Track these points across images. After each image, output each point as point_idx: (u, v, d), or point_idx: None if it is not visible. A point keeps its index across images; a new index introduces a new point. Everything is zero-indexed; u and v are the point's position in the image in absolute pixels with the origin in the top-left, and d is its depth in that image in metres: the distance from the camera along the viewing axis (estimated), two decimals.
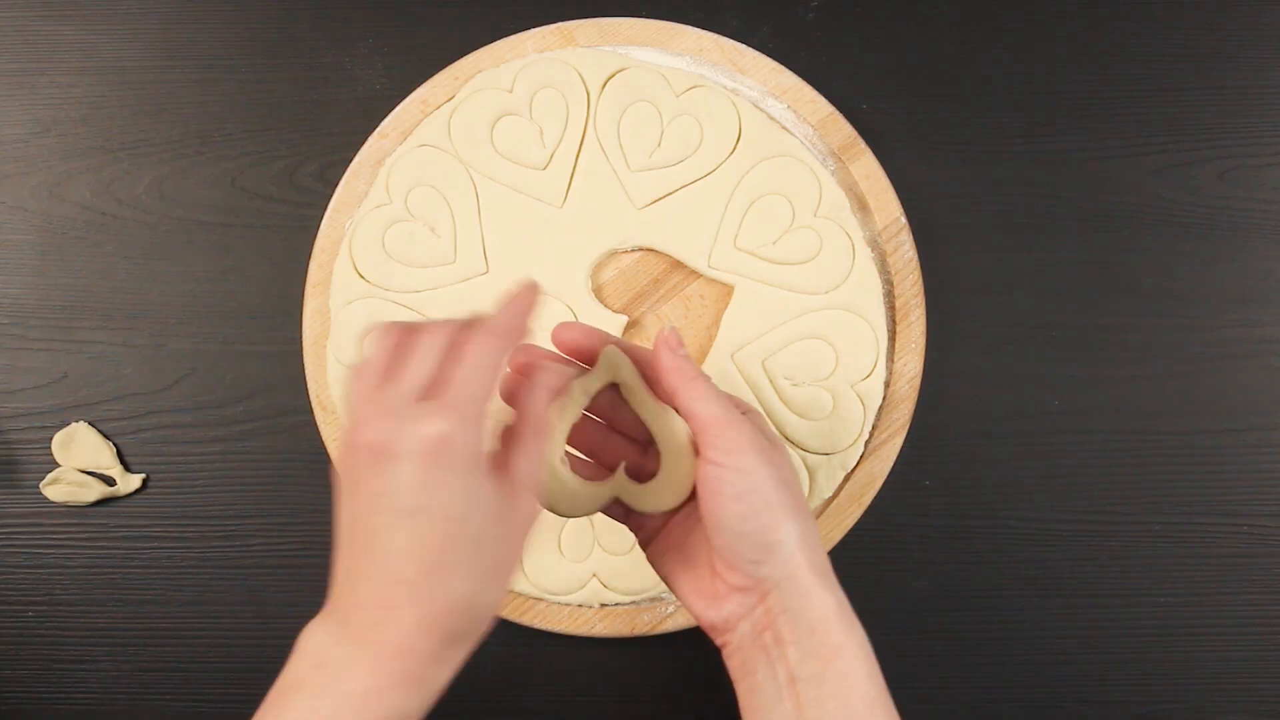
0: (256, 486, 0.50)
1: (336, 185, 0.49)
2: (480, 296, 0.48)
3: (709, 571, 0.32)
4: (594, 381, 0.34)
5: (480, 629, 0.28)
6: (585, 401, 0.34)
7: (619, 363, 0.33)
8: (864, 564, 0.49)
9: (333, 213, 0.49)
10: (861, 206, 0.49)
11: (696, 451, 0.32)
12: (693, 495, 0.33)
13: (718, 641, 0.32)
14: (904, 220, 0.48)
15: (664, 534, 0.34)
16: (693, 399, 0.31)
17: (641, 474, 0.34)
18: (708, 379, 0.32)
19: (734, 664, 0.32)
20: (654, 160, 0.48)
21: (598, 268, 0.49)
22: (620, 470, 0.34)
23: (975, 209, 0.50)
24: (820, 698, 0.29)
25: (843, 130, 0.49)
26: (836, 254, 0.47)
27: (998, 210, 0.50)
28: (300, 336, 0.49)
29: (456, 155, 0.48)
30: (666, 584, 0.34)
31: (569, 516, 0.34)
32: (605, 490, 0.33)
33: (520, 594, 0.47)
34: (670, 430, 0.33)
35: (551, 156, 0.48)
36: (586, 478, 0.34)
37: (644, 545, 0.35)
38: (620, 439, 0.35)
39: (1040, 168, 0.50)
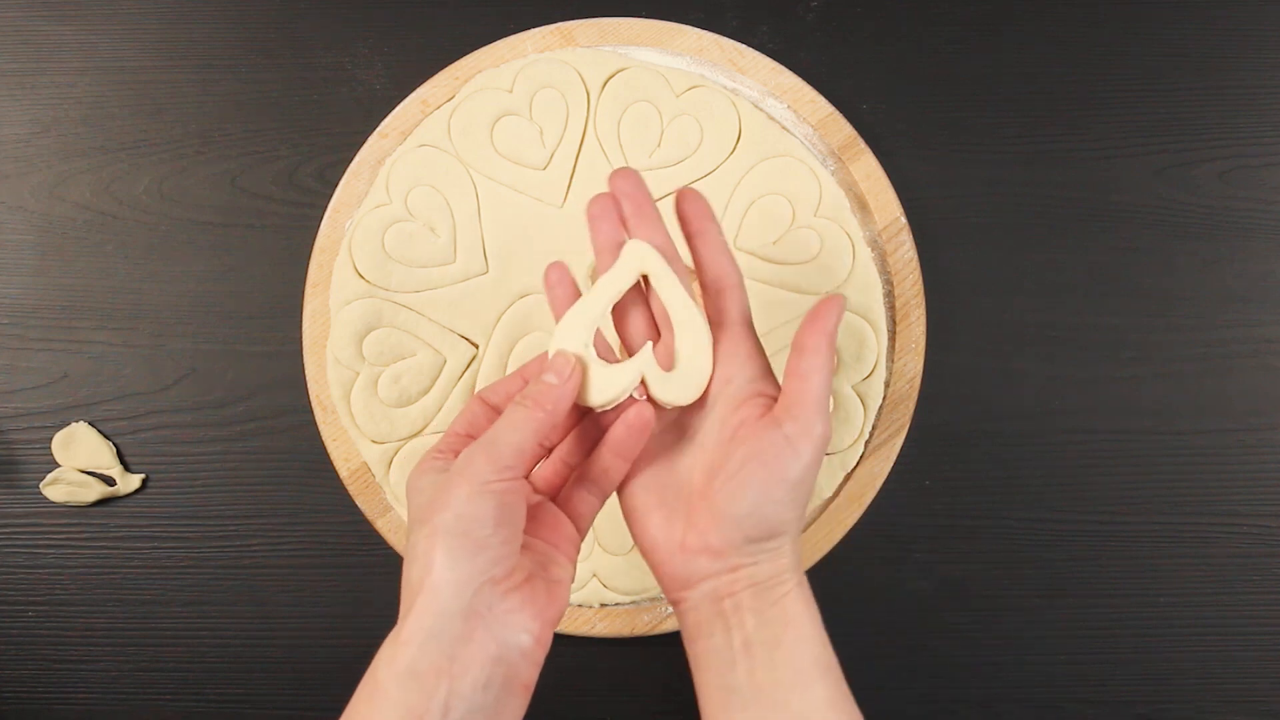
0: (256, 486, 0.49)
1: (336, 185, 0.49)
2: (480, 297, 0.48)
3: (684, 521, 0.31)
4: (622, 279, 0.32)
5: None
6: (610, 302, 0.32)
7: (645, 255, 0.32)
8: (864, 564, 0.49)
9: (333, 213, 0.49)
10: (861, 206, 0.48)
11: (717, 293, 0.32)
12: (701, 402, 0.32)
13: (671, 597, 0.32)
14: (904, 220, 0.48)
15: (645, 460, 0.33)
16: (813, 367, 0.30)
17: (665, 363, 0.33)
18: (832, 351, 0.31)
19: (688, 622, 0.31)
20: (654, 160, 0.48)
21: (598, 268, 0.49)
22: (647, 348, 0.32)
23: (975, 209, 0.50)
24: (774, 661, 0.29)
25: (843, 130, 0.48)
26: (836, 254, 0.47)
27: (998, 210, 0.50)
28: (300, 336, 0.48)
29: (456, 155, 0.48)
30: (630, 523, 0.32)
31: (601, 406, 0.32)
32: (633, 368, 0.32)
33: None
34: (695, 327, 0.32)
35: (551, 156, 0.48)
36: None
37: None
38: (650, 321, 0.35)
39: (1040, 168, 0.50)
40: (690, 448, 0.32)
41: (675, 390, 0.32)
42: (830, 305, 0.31)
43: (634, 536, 0.32)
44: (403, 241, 0.48)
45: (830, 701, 0.29)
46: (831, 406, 0.47)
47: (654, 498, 0.32)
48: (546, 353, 0.33)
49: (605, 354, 0.33)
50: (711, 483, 0.31)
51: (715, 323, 0.33)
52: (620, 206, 0.34)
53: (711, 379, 0.32)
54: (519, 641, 0.29)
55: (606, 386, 0.32)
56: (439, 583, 0.28)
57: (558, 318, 0.33)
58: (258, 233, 0.51)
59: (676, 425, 0.33)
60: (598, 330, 0.33)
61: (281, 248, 0.50)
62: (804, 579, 0.31)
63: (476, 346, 0.48)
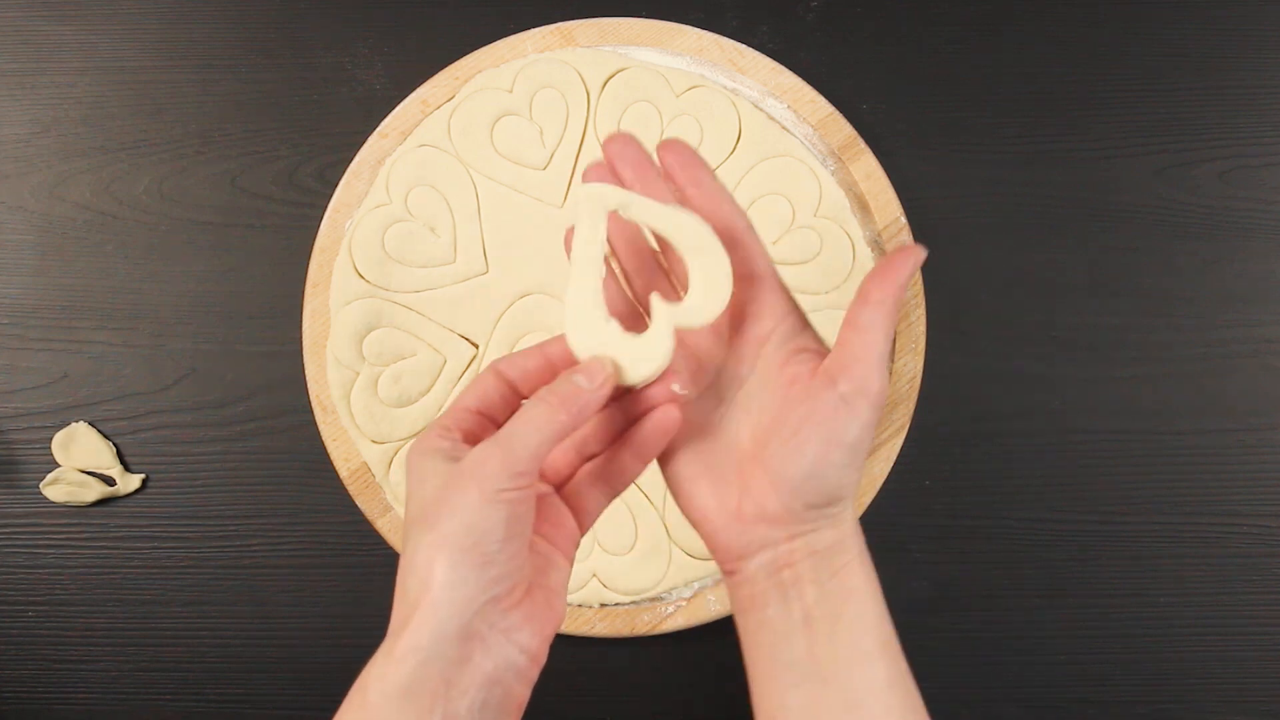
0: (256, 486, 0.49)
1: (336, 185, 0.49)
2: (480, 297, 0.48)
3: (738, 488, 0.29)
4: (594, 231, 0.29)
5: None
6: (600, 259, 0.29)
7: (598, 193, 0.29)
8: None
9: (332, 213, 0.49)
10: (861, 206, 0.48)
11: (731, 247, 0.29)
12: (742, 363, 0.29)
13: (726, 568, 0.30)
14: (904, 220, 0.48)
15: (686, 428, 0.30)
16: (876, 320, 0.28)
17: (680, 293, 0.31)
18: (897, 307, 0.28)
19: (741, 594, 0.29)
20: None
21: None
22: (656, 301, 0.29)
23: (975, 209, 0.50)
24: (835, 636, 0.28)
25: (843, 130, 0.48)
26: (836, 254, 0.47)
27: (998, 210, 0.50)
28: (300, 336, 0.48)
29: (456, 155, 0.48)
30: (676, 493, 0.30)
31: (643, 381, 0.29)
32: (663, 332, 0.29)
33: None
34: (689, 229, 0.29)
35: (551, 156, 0.48)
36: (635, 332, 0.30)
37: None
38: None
39: (1040, 168, 0.50)
40: (734, 411, 0.30)
41: (700, 310, 0.29)
42: (905, 255, 0.28)
43: (682, 507, 0.30)
44: (403, 241, 0.48)
45: (889, 680, 0.28)
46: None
47: (700, 466, 0.30)
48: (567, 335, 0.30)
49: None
50: (766, 446, 0.29)
51: (738, 278, 0.29)
52: (616, 172, 0.30)
53: (732, 306, 0.29)
54: (516, 662, 0.27)
55: (642, 361, 0.29)
56: (439, 600, 0.26)
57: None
58: (258, 233, 0.51)
59: (715, 390, 0.30)
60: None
61: (281, 248, 0.50)
62: (865, 548, 0.29)
63: (476, 347, 0.48)
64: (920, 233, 0.49)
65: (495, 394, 0.30)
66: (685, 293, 0.30)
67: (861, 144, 0.48)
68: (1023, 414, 0.49)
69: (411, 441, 0.46)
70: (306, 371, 0.48)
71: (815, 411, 0.28)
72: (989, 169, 0.50)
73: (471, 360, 0.48)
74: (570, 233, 0.30)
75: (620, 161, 0.30)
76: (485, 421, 0.29)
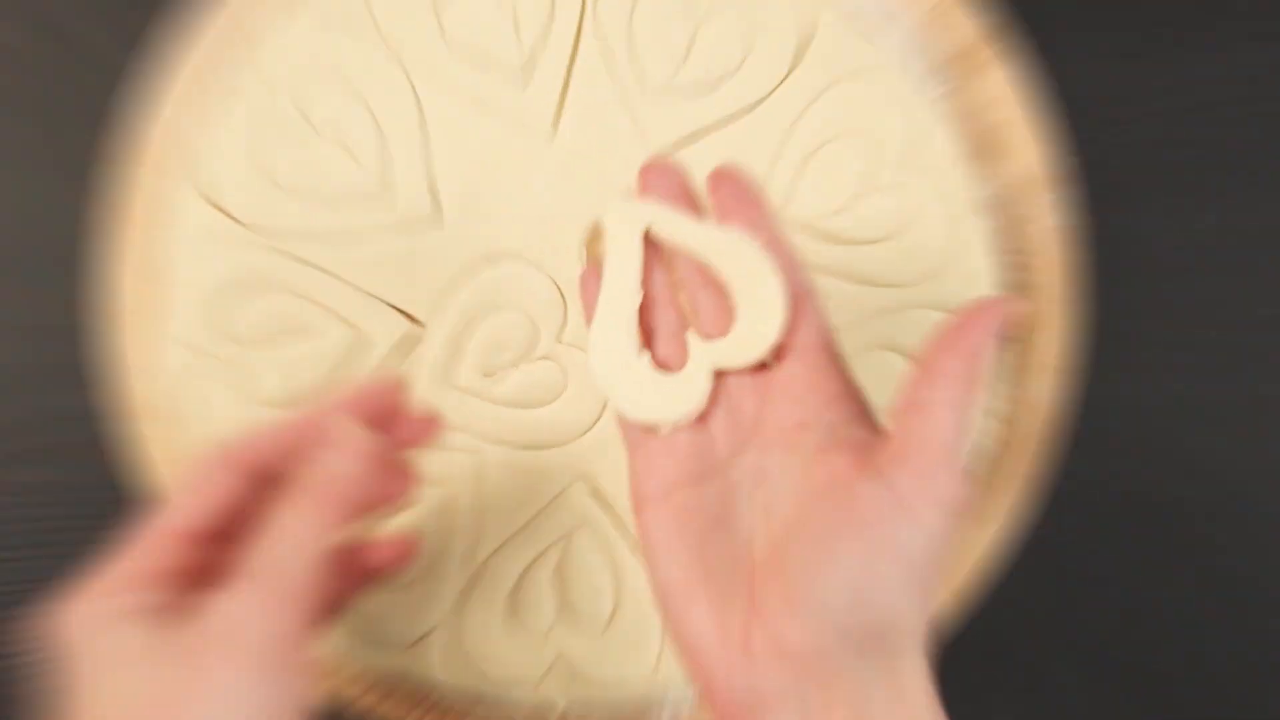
0: (30, 542, 0.37)
1: (149, 46, 0.35)
2: (425, 255, 0.37)
3: (744, 608, 0.25)
4: (629, 252, 0.29)
5: None
6: (635, 284, 0.29)
7: (631, 212, 0.29)
8: (947, 698, 0.35)
9: (171, 106, 0.35)
10: (980, 151, 0.37)
11: (791, 282, 0.28)
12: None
13: (717, 716, 0.26)
14: (1051, 168, 0.36)
15: (687, 521, 0.27)
16: (942, 398, 0.24)
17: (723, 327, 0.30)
18: (975, 379, 0.25)
19: None
20: (679, 81, 0.37)
21: (597, 230, 0.38)
22: (690, 336, 0.29)
23: (1175, 144, 0.38)
24: None
25: (963, 26, 0.37)
26: (929, 226, 0.37)
27: (1210, 146, 0.38)
28: (102, 303, 0.35)
29: (385, 45, 0.37)
30: (665, 607, 0.26)
31: (672, 426, 0.29)
32: (702, 365, 0.29)
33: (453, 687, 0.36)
34: (734, 251, 0.28)
35: (532, 61, 0.37)
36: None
37: (640, 503, 0.27)
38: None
39: None
40: (752, 510, 0.26)
41: (744, 348, 0.28)
42: (987, 309, 0.25)
43: (670, 628, 0.26)
44: (301, 166, 0.36)
45: None
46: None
47: (698, 572, 0.26)
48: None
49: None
50: (785, 551, 0.25)
51: (781, 351, 0.28)
52: None
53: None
54: None
55: (679, 402, 0.28)
56: None
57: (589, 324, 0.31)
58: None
59: (728, 481, 0.27)
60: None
61: (42, 144, 0.36)
62: (936, 699, 0.24)
63: (420, 324, 0.37)
64: (1081, 183, 0.36)
65: (221, 497, 0.26)
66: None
67: (991, 49, 0.37)
68: (1234, 475, 0.37)
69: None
70: (124, 357, 0.35)
71: (856, 513, 0.24)
72: (1200, 81, 0.38)
73: (411, 343, 0.37)
74: (584, 274, 0.31)
75: (657, 195, 0.30)
76: (206, 546, 0.26)
